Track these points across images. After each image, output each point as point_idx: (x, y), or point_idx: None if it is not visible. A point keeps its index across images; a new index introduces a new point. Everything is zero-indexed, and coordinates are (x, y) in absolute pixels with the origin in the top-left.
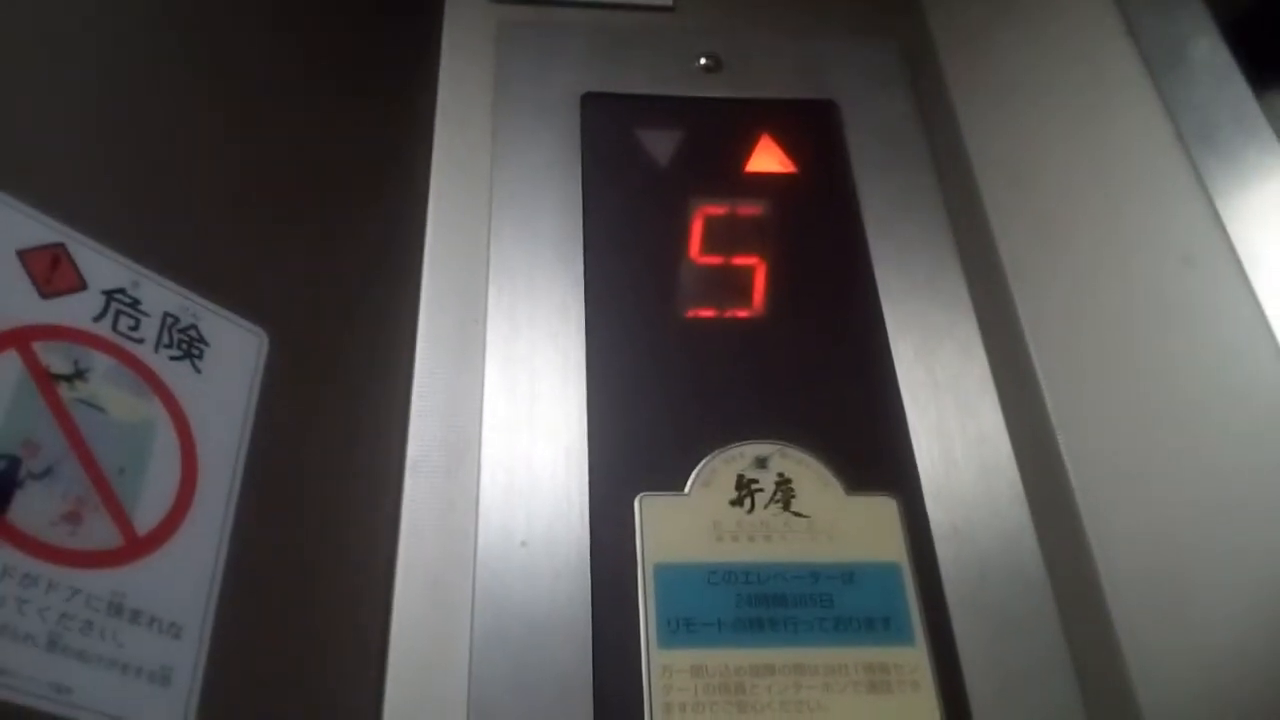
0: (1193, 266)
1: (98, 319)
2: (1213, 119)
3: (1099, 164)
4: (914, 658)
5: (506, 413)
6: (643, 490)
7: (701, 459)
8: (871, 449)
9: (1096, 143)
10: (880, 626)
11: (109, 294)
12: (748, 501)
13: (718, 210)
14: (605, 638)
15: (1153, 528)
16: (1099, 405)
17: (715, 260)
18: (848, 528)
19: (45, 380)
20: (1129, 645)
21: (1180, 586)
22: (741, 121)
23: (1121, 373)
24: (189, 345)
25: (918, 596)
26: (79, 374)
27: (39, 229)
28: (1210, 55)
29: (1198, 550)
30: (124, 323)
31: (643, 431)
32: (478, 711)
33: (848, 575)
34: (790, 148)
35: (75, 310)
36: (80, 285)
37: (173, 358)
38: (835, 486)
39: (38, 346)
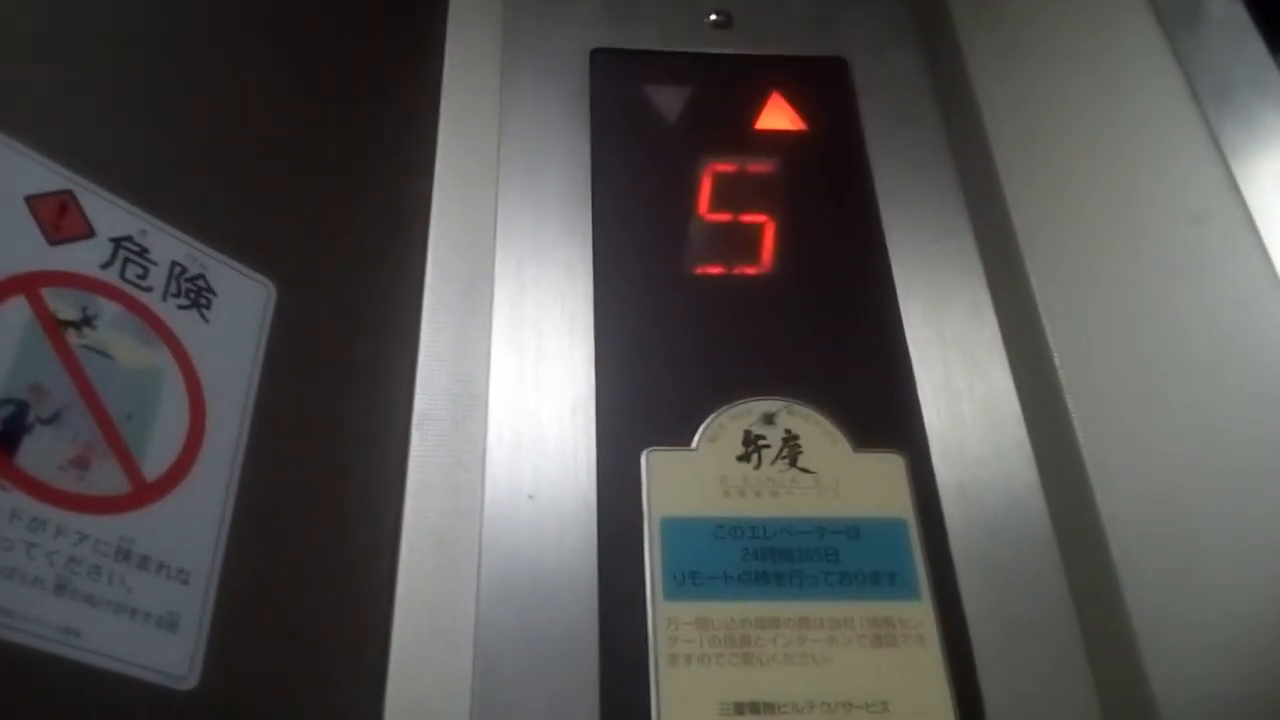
0: (1204, 225)
1: (105, 266)
2: (1228, 78)
3: (1112, 123)
4: (919, 612)
5: (514, 368)
6: (650, 445)
7: (709, 415)
8: (879, 407)
9: (1110, 101)
10: (886, 581)
11: (117, 242)
12: (755, 457)
13: (727, 168)
14: (611, 590)
15: (1160, 486)
16: (1108, 365)
17: (724, 217)
18: (854, 484)
19: (53, 326)
20: (1134, 603)
21: (1186, 545)
22: (751, 78)
23: (1131, 332)
24: (197, 295)
25: (923, 552)
26: (87, 320)
27: (47, 175)
28: (1227, 14)
29: (1204, 509)
30: (132, 271)
31: (650, 387)
32: (484, 662)
33: (854, 530)
34: (800, 105)
35: (83, 257)
36: (88, 232)
37: (180, 307)
38: (842, 443)
39: (45, 293)
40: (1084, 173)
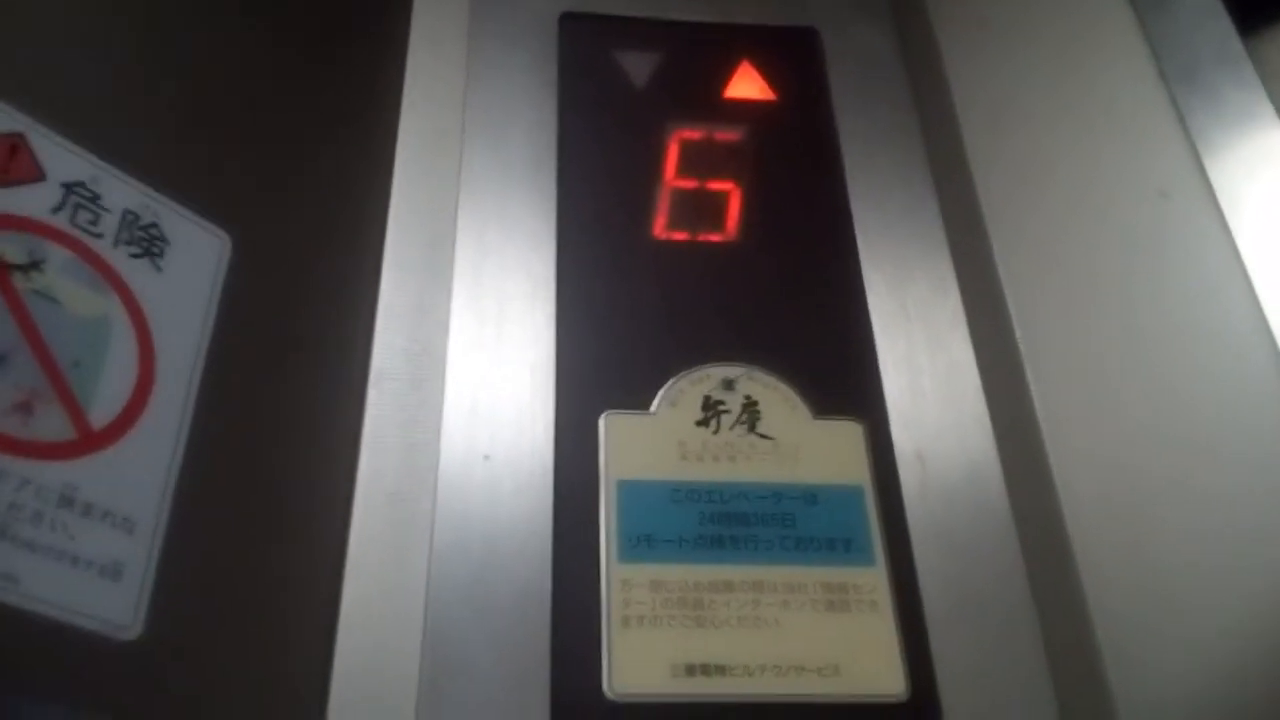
0: (1169, 201)
1: (55, 211)
2: (1196, 57)
3: (1080, 99)
4: (873, 578)
5: (474, 329)
6: (609, 409)
7: (669, 379)
8: (839, 375)
9: (1078, 78)
10: (841, 547)
11: (68, 186)
12: (714, 422)
13: (694, 135)
14: (565, 551)
15: (1117, 460)
16: (1069, 339)
17: (690, 184)
18: (813, 450)
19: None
20: (1087, 573)
21: (1141, 518)
22: (722, 46)
23: (1093, 307)
24: (149, 243)
25: (879, 519)
26: (34, 265)
27: None
28: None
29: (1161, 481)
30: (83, 216)
31: (610, 351)
32: (435, 621)
33: (811, 496)
34: (770, 74)
35: (32, 201)
36: (39, 176)
37: (132, 255)
38: (802, 410)
39: None
40: (1051, 148)
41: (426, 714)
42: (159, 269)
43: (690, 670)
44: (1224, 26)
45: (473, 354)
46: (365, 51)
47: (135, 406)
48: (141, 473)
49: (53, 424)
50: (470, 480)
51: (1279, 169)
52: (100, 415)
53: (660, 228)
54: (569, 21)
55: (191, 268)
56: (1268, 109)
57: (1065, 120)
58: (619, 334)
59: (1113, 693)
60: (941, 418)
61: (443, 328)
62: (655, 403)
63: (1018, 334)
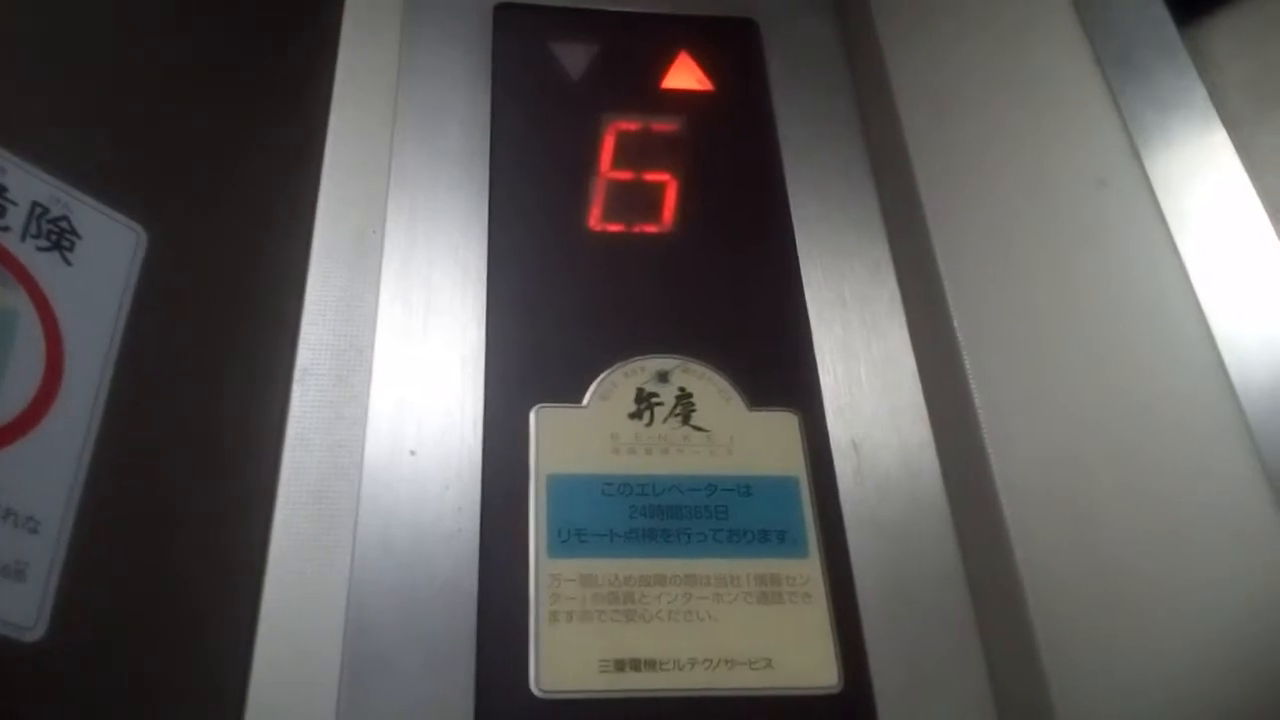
0: (1107, 189)
1: None
2: (1131, 43)
3: (1018, 87)
4: (806, 569)
5: (401, 322)
6: (540, 402)
7: (601, 372)
8: (775, 366)
9: (1016, 66)
10: (775, 539)
11: None
12: (647, 415)
13: (631, 126)
14: (493, 547)
15: (1055, 447)
16: (1006, 325)
17: (626, 176)
18: (747, 442)
19: None
20: (1024, 561)
21: (1078, 505)
22: (659, 37)
23: (1031, 295)
24: (59, 237)
25: (814, 510)
26: None
27: None
28: None
29: (1098, 468)
30: None
31: (542, 344)
32: (356, 620)
33: (745, 488)
34: (708, 65)
35: None
36: None
37: (40, 248)
38: (737, 401)
39: None
40: (989, 138)
41: (347, 712)
42: (69, 262)
43: (620, 665)
44: (1160, 15)
45: (400, 347)
46: (295, 41)
47: (42, 403)
48: (48, 470)
49: None
50: (395, 475)
51: (1214, 158)
52: (4, 411)
53: (595, 219)
54: (504, 11)
55: (103, 261)
56: (1203, 97)
57: (1004, 110)
58: (551, 326)
59: (1048, 681)
60: (878, 407)
61: (370, 322)
62: (587, 396)
63: (955, 322)
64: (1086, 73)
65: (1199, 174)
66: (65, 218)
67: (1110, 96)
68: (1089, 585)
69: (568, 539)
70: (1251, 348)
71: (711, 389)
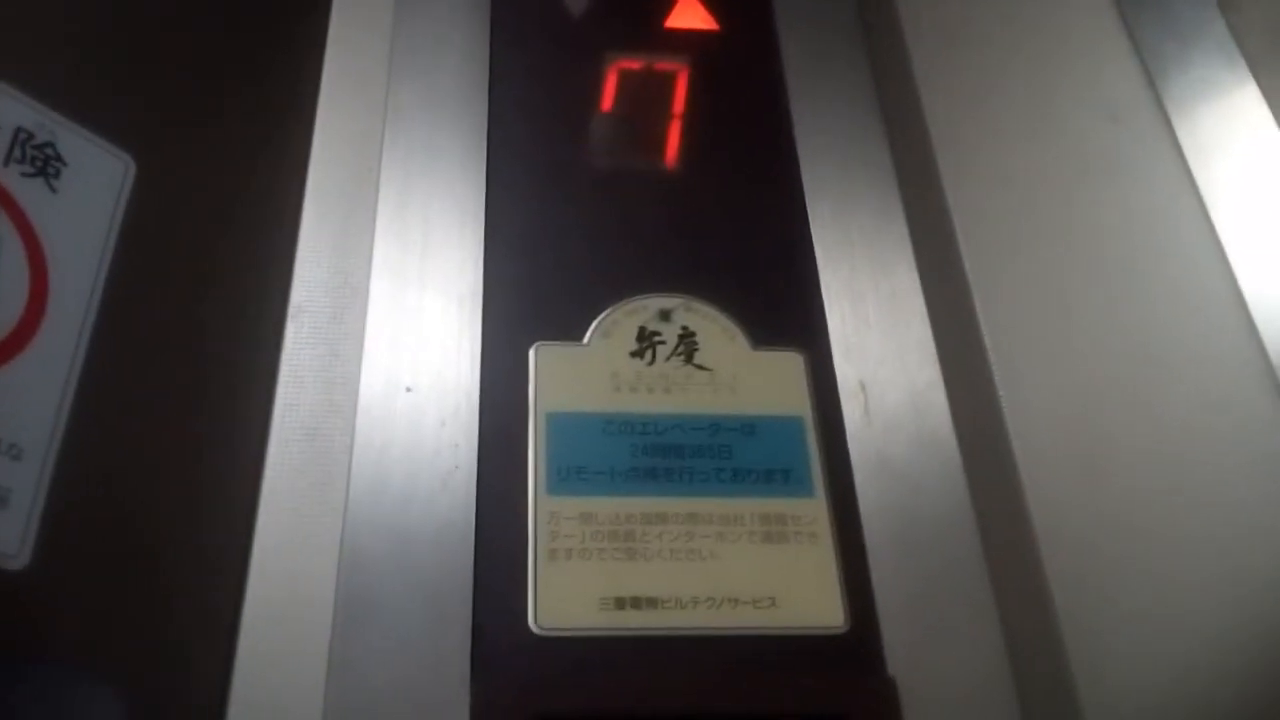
0: (1119, 124)
1: None
2: None
3: (1031, 21)
4: (812, 509)
5: (397, 259)
6: (539, 340)
7: (603, 310)
8: (781, 305)
9: (1030, 2)
10: (779, 479)
11: None
12: (649, 354)
13: (633, 65)
14: (490, 484)
15: (1066, 381)
16: (1018, 263)
17: (628, 113)
18: (751, 381)
19: None
20: (1035, 499)
21: (1091, 439)
22: None
23: (1042, 231)
24: (44, 163)
25: (820, 450)
26: None
27: None
28: None
29: (1111, 400)
30: None
31: (542, 282)
32: (350, 556)
33: (749, 428)
34: (713, 4)
35: None
36: None
37: (24, 174)
38: (741, 340)
39: None
40: (1000, 72)
41: (340, 650)
42: (54, 189)
43: (620, 603)
44: None
45: (396, 284)
46: None
47: (26, 329)
48: (30, 398)
49: None
50: (390, 411)
51: (1232, 94)
52: None
53: (596, 157)
54: None
55: (90, 189)
56: (1222, 33)
57: (1016, 44)
58: (551, 264)
59: (1059, 619)
60: (885, 345)
61: (365, 258)
62: (588, 334)
63: (965, 261)
64: (1101, 5)
65: (1217, 108)
66: (51, 144)
67: (1125, 31)
68: (1101, 518)
69: (567, 476)
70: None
71: (715, 328)
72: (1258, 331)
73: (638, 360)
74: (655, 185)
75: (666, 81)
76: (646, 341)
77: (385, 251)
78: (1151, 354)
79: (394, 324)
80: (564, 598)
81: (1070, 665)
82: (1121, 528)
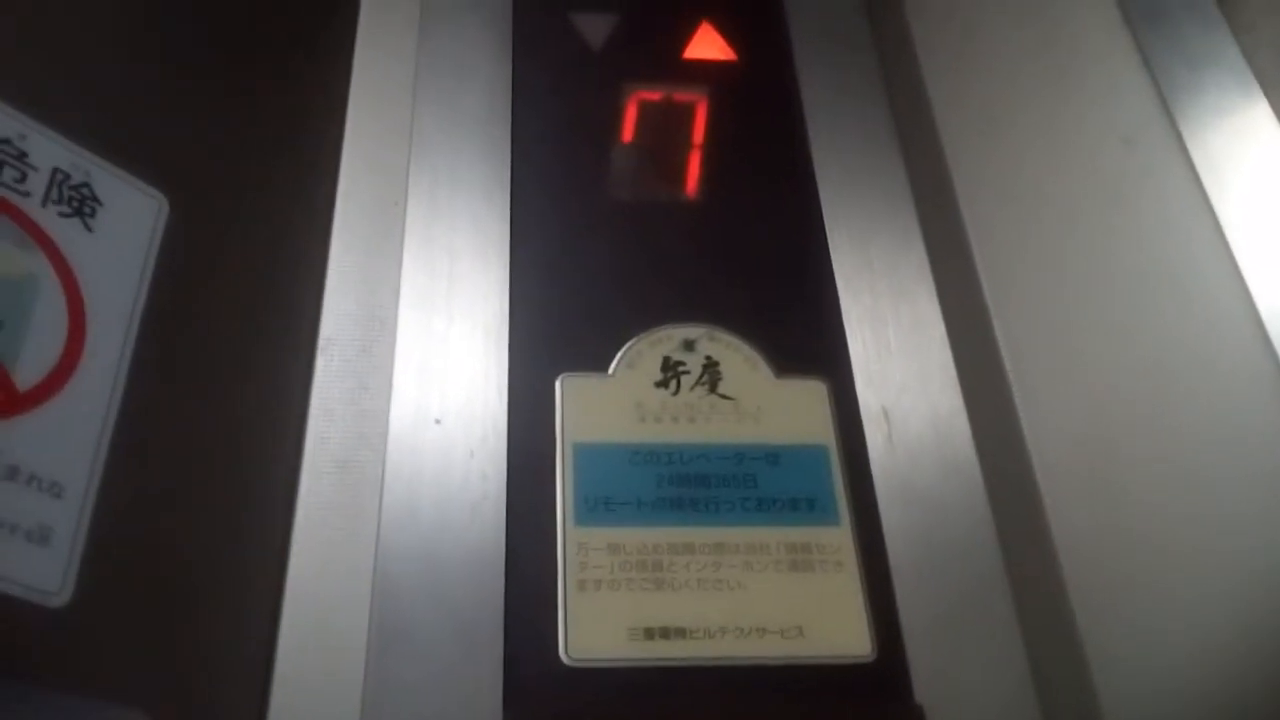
0: (1133, 147)
1: None
2: (1163, 2)
3: (1044, 45)
4: (838, 538)
5: (425, 291)
6: (565, 371)
7: (627, 341)
8: (803, 333)
9: (1043, 23)
10: (805, 507)
11: None
12: (673, 383)
13: (652, 95)
14: (520, 515)
15: (1085, 408)
16: (1035, 288)
17: (649, 144)
18: (775, 410)
19: None
20: (1058, 526)
21: (1111, 468)
22: (681, 6)
23: (1059, 255)
24: (80, 203)
25: (844, 478)
26: None
27: None
28: None
29: (1130, 431)
30: (9, 174)
31: (567, 313)
32: (383, 589)
33: (773, 457)
34: (731, 34)
35: None
36: None
37: (62, 214)
38: (764, 369)
39: None
40: (1015, 95)
41: (374, 682)
42: (90, 229)
43: (649, 633)
44: None
45: (424, 316)
46: (315, 7)
47: (65, 368)
48: (71, 436)
49: None
50: (420, 444)
51: (1246, 115)
52: (27, 376)
53: (618, 188)
54: None
55: (125, 228)
56: (1234, 54)
57: (1030, 70)
58: (575, 295)
59: (1085, 648)
60: (907, 372)
61: (393, 290)
62: (613, 364)
63: (984, 286)
64: (1114, 28)
65: (1230, 131)
66: (87, 184)
67: (1138, 53)
68: (1124, 548)
69: (595, 507)
70: None
71: (738, 357)
72: (1274, 349)
73: (663, 390)
74: (676, 215)
75: (686, 112)
76: (671, 372)
77: (412, 283)
78: (1170, 374)
79: (422, 355)
80: (594, 629)
81: (1095, 687)
82: (1144, 548)
